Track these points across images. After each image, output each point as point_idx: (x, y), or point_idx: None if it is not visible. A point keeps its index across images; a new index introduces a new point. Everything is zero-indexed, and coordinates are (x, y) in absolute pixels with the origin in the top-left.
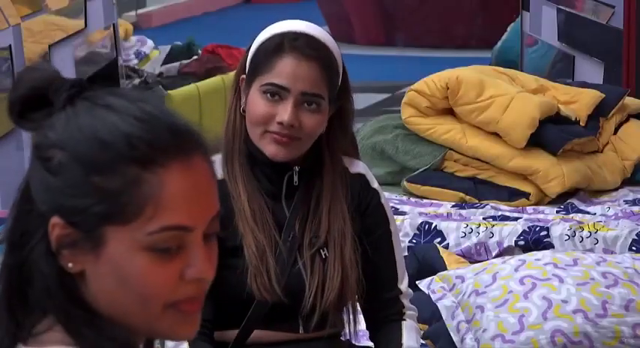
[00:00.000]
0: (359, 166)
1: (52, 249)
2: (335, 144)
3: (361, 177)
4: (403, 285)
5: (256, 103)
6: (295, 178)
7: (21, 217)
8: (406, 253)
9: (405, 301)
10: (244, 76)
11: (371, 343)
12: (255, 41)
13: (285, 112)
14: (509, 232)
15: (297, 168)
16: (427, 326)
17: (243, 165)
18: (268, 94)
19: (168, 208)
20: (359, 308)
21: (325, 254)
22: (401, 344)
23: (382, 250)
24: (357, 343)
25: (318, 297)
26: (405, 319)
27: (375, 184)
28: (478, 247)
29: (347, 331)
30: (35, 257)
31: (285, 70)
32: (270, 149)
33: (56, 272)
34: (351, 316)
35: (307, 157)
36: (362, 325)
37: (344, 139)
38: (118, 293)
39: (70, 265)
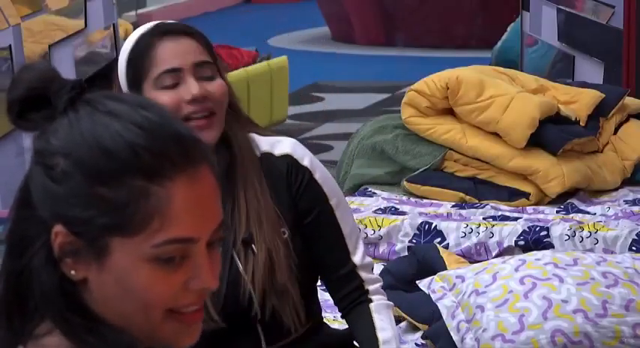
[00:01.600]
0: (284, 146)
1: (53, 256)
2: (233, 126)
3: (288, 157)
4: (357, 257)
5: (158, 99)
6: None
7: (21, 221)
8: (406, 253)
9: (364, 274)
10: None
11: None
12: (120, 57)
13: (189, 87)
14: (509, 232)
15: None
16: (427, 326)
17: None
18: (165, 84)
19: (175, 221)
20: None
21: (255, 250)
22: (375, 336)
23: (325, 227)
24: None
25: (254, 299)
26: (371, 300)
27: (306, 161)
28: (478, 247)
29: (292, 320)
30: (36, 264)
31: (167, 53)
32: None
33: (57, 279)
34: (292, 304)
35: (218, 147)
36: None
37: (238, 118)
38: (120, 301)
39: (72, 272)
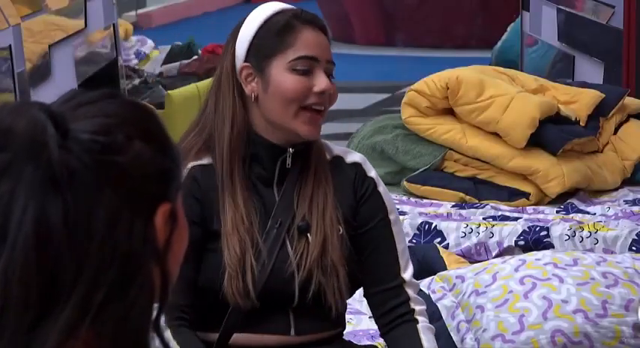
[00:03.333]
0: (355, 156)
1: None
2: None
3: (357, 166)
4: (407, 274)
5: (287, 79)
6: (288, 161)
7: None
8: None
9: (410, 292)
10: (246, 63)
11: (372, 342)
12: (245, 28)
13: (321, 81)
14: (509, 232)
15: (291, 150)
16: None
17: (241, 164)
18: (299, 68)
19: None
20: (355, 297)
21: (310, 238)
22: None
23: (381, 239)
24: (357, 343)
25: (298, 276)
26: (418, 321)
27: (372, 173)
28: (478, 247)
29: (334, 300)
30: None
31: (310, 41)
32: (305, 129)
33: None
34: (338, 284)
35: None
36: (361, 324)
37: None
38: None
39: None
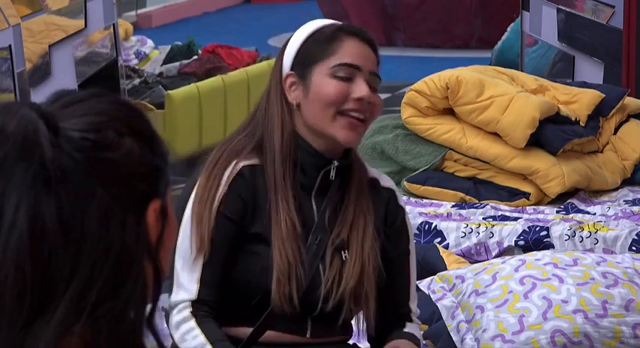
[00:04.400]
0: (389, 181)
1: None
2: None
3: (390, 192)
4: (414, 304)
5: (327, 84)
6: (332, 174)
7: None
8: None
9: (413, 317)
10: (291, 72)
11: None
12: (293, 39)
13: (361, 88)
14: (509, 232)
15: (335, 162)
16: (427, 326)
17: (286, 167)
18: (340, 74)
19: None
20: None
21: (345, 256)
22: (404, 332)
23: (398, 269)
24: (361, 346)
25: (331, 298)
26: (411, 321)
27: (402, 202)
28: (478, 247)
29: (356, 330)
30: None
31: (353, 50)
32: (342, 134)
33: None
34: (363, 319)
35: (344, 155)
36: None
37: None
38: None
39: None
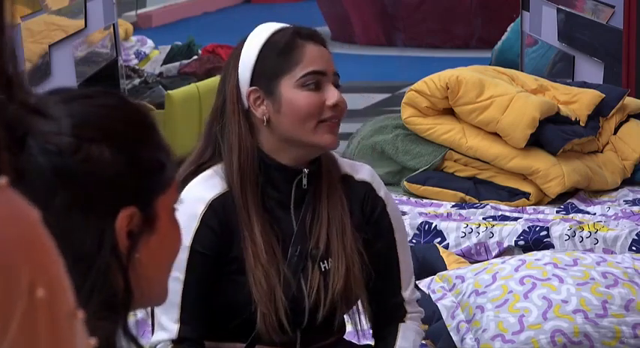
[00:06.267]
0: (365, 173)
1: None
2: None
3: (366, 185)
4: (407, 292)
5: (299, 97)
6: (304, 182)
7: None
8: None
9: (409, 307)
10: (253, 88)
11: (371, 342)
12: (246, 52)
13: (333, 94)
14: (509, 232)
15: (306, 170)
16: (427, 326)
17: (255, 187)
18: (309, 84)
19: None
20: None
21: (325, 267)
22: (394, 345)
23: (384, 260)
24: (357, 343)
25: (320, 308)
26: (404, 321)
27: (382, 192)
28: (478, 247)
29: (354, 331)
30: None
31: (314, 55)
32: (326, 139)
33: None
34: (356, 319)
35: (313, 160)
36: (363, 324)
37: None
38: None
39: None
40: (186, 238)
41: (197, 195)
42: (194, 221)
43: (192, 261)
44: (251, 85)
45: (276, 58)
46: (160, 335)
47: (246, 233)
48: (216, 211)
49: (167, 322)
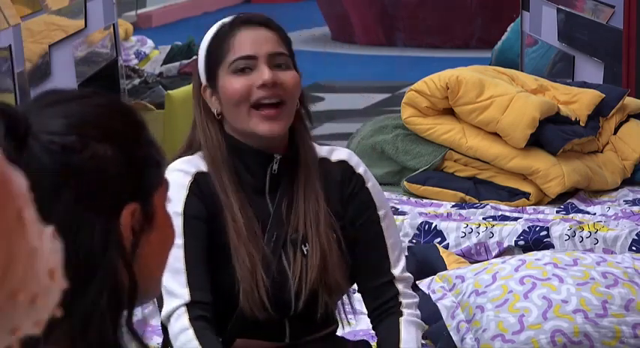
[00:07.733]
0: (341, 153)
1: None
2: (303, 131)
3: (343, 163)
4: (397, 270)
5: (230, 83)
6: (275, 167)
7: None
8: (406, 253)
9: (400, 287)
10: (204, 84)
11: (366, 338)
12: (200, 50)
13: (261, 73)
14: (509, 232)
15: (277, 156)
16: (427, 326)
17: (230, 172)
18: (239, 71)
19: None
20: (352, 298)
21: (307, 250)
22: (398, 344)
23: (370, 236)
24: (352, 339)
25: (301, 294)
26: (402, 313)
27: (361, 169)
28: (478, 247)
29: (341, 324)
30: None
31: (245, 40)
32: (262, 127)
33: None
34: (342, 309)
35: (288, 146)
36: (361, 324)
37: (305, 120)
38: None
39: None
40: (178, 205)
41: (182, 168)
42: (183, 190)
43: (187, 225)
44: (206, 81)
45: (215, 51)
46: (172, 303)
47: (227, 213)
48: (200, 185)
49: (177, 288)
